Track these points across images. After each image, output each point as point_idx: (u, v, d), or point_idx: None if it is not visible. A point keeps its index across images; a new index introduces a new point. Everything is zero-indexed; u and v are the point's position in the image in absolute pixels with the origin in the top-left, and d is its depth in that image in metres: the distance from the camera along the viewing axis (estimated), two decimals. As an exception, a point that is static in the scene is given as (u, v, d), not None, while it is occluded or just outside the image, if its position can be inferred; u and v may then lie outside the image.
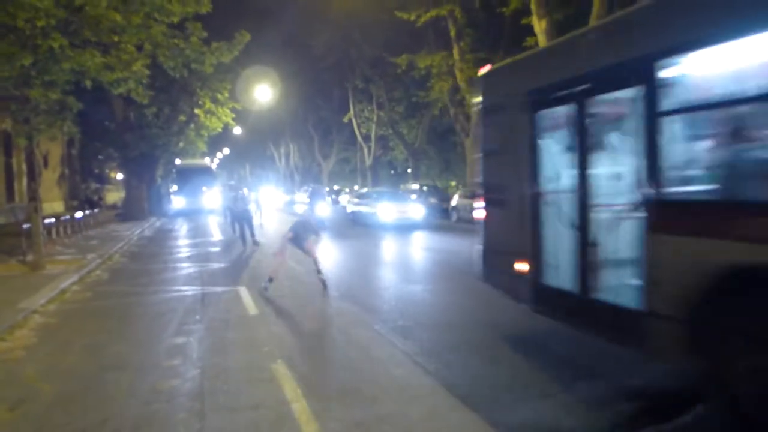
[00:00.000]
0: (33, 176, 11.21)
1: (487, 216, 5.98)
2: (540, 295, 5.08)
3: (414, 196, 24.17)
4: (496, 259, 5.81)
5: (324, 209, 21.85)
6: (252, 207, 14.55)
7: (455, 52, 24.03)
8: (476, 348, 5.44)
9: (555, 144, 5.19)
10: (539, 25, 18.18)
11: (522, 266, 5.20)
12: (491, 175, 5.96)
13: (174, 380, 4.62)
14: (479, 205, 6.06)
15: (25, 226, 11.50)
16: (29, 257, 11.07)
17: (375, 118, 36.16)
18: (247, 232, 13.95)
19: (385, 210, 19.80)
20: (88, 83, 10.87)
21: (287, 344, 5.66)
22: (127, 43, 11.51)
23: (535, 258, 5.08)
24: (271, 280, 8.29)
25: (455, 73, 24.33)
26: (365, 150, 39.02)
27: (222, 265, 11.31)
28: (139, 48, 12.11)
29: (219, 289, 8.69)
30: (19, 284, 8.79)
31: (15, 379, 4.81)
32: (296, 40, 34.19)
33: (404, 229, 18.60)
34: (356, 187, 37.58)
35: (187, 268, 10.91)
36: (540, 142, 5.17)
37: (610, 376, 4.56)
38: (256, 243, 13.77)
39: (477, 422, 3.72)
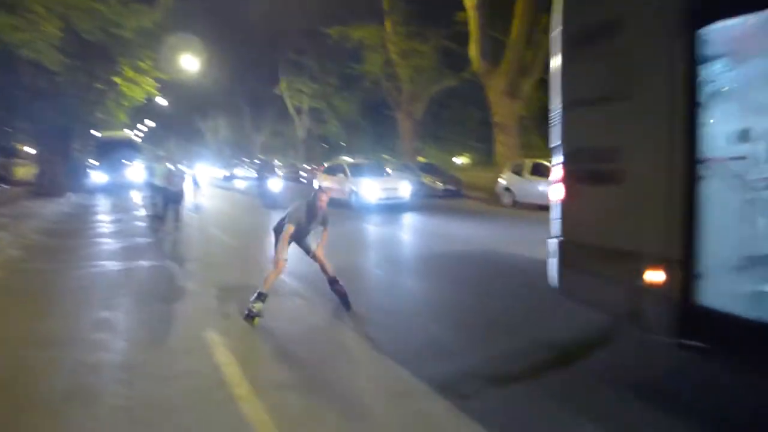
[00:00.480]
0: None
1: (572, 194, 4.06)
2: (695, 322, 3.17)
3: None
4: (590, 261, 3.89)
5: (276, 185, 20.13)
6: (186, 185, 12.60)
7: (387, 24, 24.01)
8: (409, 313, 5.70)
9: (742, 78, 3.37)
10: (470, 0, 18.49)
11: (655, 275, 3.35)
12: (585, 135, 3.98)
13: (101, 353, 4.54)
14: (555, 177, 4.21)
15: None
16: (-70, 236, 10.24)
17: (308, 91, 35.59)
18: (172, 214, 12.19)
19: (369, 188, 16.52)
20: None
21: (218, 315, 5.65)
22: (35, 2, 10.69)
23: (688, 263, 3.18)
24: (261, 297, 5.27)
25: (387, 46, 24.35)
26: (298, 122, 38.42)
27: (148, 240, 10.96)
28: (51, 9, 11.27)
29: (145, 263, 8.45)
30: None
31: (-77, 360, 4.54)
32: (225, 7, 32.77)
33: (391, 210, 15.88)
34: (296, 162, 36.80)
35: (110, 244, 10.49)
36: (708, 75, 3.22)
37: (529, 331, 4.95)
38: (178, 228, 12.16)
39: (403, 374, 3.96)
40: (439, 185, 21.06)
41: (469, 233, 11.71)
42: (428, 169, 22.99)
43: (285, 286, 6.80)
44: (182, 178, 12.11)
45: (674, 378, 3.89)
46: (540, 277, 4.60)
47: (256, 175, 25.01)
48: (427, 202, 18.96)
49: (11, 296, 6.73)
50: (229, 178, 39.64)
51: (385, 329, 5.05)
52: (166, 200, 11.94)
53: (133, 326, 5.31)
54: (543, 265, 4.38)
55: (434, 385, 3.78)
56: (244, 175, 37.18)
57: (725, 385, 3.70)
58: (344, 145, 35.52)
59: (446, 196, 20.27)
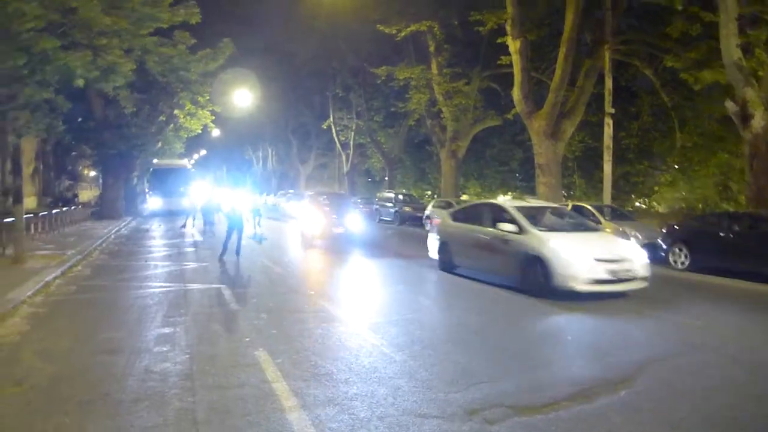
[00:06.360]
0: (18, 172, 11.49)
1: None
2: None
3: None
4: None
5: (355, 222, 16.43)
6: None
7: (433, 66, 24.87)
8: (439, 341, 6.06)
9: None
10: (513, 45, 19.09)
11: None
12: None
13: (165, 363, 5.10)
14: None
15: (6, 220, 11.71)
16: (8, 251, 11.29)
17: (354, 126, 36.78)
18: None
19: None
20: (81, 82, 11.18)
21: (268, 336, 6.16)
22: (116, 48, 11.93)
23: None
24: None
25: (432, 86, 25.14)
26: (343, 157, 39.60)
27: (203, 264, 11.69)
28: (128, 51, 12.53)
29: (201, 286, 9.12)
30: (2, 277, 9.06)
31: (15, 360, 5.21)
32: (279, 46, 34.69)
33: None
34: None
35: (167, 266, 11.28)
36: None
37: (553, 366, 5.22)
38: None
39: (434, 400, 4.32)
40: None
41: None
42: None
43: (326, 313, 7.28)
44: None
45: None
46: None
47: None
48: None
49: (81, 309, 7.49)
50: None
51: (414, 356, 5.40)
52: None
53: (192, 342, 5.87)
54: None
55: None
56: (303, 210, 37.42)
57: None
58: (387, 179, 36.24)
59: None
